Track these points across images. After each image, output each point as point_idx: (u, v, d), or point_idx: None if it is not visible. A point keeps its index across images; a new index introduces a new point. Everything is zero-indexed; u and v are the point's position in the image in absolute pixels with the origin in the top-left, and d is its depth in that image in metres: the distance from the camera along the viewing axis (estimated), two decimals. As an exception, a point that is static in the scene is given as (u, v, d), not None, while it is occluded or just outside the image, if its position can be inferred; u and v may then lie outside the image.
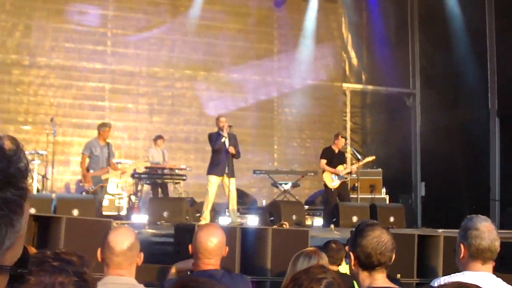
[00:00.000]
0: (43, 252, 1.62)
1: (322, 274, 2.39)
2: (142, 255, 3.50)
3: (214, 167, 11.79)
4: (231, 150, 11.65)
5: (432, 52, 18.25)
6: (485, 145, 16.17)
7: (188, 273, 3.99)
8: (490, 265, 3.34)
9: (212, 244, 3.77)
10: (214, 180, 11.78)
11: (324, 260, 4.49)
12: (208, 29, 17.69)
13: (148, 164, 13.60)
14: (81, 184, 12.55)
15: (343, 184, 13.24)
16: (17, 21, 16.02)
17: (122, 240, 3.37)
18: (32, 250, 3.54)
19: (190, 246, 3.86)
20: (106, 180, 12.49)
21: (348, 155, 17.36)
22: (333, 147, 13.31)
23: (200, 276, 3.65)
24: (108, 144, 12.40)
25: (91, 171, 12.10)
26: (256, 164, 16.65)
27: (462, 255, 3.34)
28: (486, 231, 3.31)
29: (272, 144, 18.34)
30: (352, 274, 3.11)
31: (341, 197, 13.18)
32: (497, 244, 3.32)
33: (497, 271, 3.49)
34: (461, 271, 3.37)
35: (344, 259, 7.54)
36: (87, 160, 12.37)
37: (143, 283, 3.50)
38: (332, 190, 13.03)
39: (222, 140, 11.67)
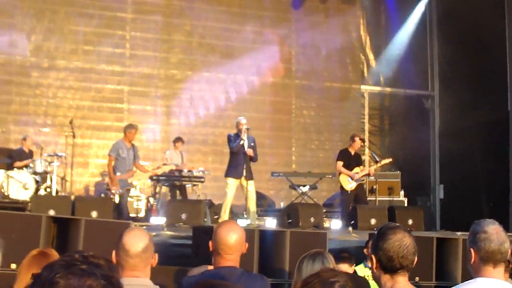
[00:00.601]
0: (72, 255, 1.62)
1: (334, 278, 2.38)
2: (156, 256, 3.50)
3: (232, 170, 11.78)
4: (249, 152, 11.65)
5: (451, 54, 18.14)
6: (504, 147, 16.04)
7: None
8: (501, 268, 3.33)
9: (232, 240, 3.78)
10: (232, 182, 11.77)
11: (330, 260, 4.43)
12: (225, 31, 17.72)
13: (173, 167, 13.42)
14: (107, 187, 12.40)
15: (360, 186, 13.19)
16: (36, 24, 16.15)
17: (136, 242, 3.37)
18: (54, 253, 3.56)
19: (210, 243, 3.86)
20: (132, 183, 12.44)
21: (366, 157, 17.31)
22: (350, 149, 13.26)
23: (220, 272, 3.66)
24: (133, 146, 12.26)
25: (118, 173, 11.85)
26: (274, 166, 16.64)
27: (473, 260, 3.34)
28: (495, 233, 3.30)
29: (290, 147, 18.32)
30: (374, 277, 3.10)
31: (358, 199, 13.12)
32: (507, 245, 3.31)
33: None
34: (473, 277, 3.36)
35: (363, 262, 7.55)
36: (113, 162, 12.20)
37: (160, 285, 3.51)
38: (349, 192, 12.98)
39: (241, 142, 11.66)
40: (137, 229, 3.82)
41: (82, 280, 1.54)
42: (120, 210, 11.51)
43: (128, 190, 12.12)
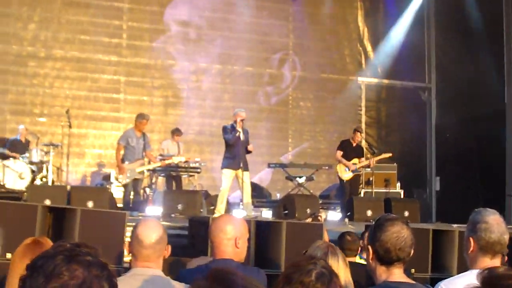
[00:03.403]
0: (62, 245, 1.56)
1: (310, 266, 2.36)
2: (169, 248, 3.54)
3: (229, 161, 11.70)
4: (251, 148, 11.64)
5: (448, 46, 18.13)
6: (501, 139, 16.04)
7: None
8: (498, 260, 3.31)
9: (222, 234, 3.77)
10: (228, 173, 11.70)
11: (340, 255, 4.37)
12: (223, 21, 17.68)
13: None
14: (115, 176, 12.32)
15: (355, 177, 13.38)
16: (33, 13, 16.10)
17: (150, 233, 3.42)
18: (48, 242, 3.54)
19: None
20: (142, 173, 12.23)
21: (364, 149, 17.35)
22: (351, 140, 13.42)
23: (215, 265, 3.65)
24: (144, 135, 12.14)
25: (127, 162, 11.84)
26: (271, 157, 16.63)
27: (471, 249, 3.31)
28: (495, 224, 3.28)
29: (287, 138, 18.31)
30: (369, 268, 3.07)
31: (351, 189, 13.31)
32: (506, 237, 3.30)
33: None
34: (469, 267, 3.34)
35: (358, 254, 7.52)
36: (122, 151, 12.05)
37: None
38: (345, 181, 13.16)
39: (237, 134, 11.61)
40: (152, 220, 3.85)
41: (87, 270, 1.49)
42: (123, 199, 11.49)
43: (136, 180, 12.05)
